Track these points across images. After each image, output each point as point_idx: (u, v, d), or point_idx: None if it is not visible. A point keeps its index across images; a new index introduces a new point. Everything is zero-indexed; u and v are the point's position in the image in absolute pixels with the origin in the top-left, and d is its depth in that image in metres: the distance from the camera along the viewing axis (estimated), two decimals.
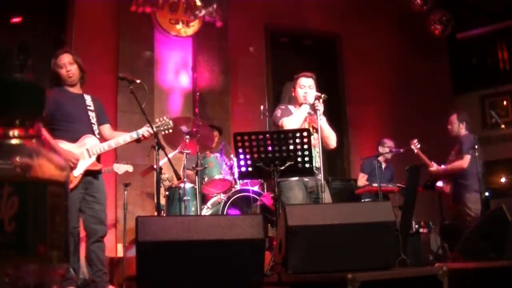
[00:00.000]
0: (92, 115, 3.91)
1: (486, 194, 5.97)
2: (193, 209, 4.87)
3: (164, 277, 2.37)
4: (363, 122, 7.87)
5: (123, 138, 3.90)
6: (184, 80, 6.64)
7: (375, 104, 7.91)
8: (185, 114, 6.15)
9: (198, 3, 6.66)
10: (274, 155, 3.45)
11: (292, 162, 3.46)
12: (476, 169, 5.51)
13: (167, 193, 5.02)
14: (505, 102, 8.64)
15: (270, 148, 3.45)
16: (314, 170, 3.79)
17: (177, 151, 5.05)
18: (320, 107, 4.01)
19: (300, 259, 2.58)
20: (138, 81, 3.97)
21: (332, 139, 4.25)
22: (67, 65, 3.85)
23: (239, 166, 3.56)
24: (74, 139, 3.76)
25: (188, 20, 6.64)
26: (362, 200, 6.17)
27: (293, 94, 4.34)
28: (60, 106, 3.74)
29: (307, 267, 2.58)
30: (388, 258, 2.72)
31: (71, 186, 3.54)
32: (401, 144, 6.40)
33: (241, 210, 5.08)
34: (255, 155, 3.45)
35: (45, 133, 3.48)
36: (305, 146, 3.46)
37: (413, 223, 6.01)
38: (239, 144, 3.46)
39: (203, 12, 6.55)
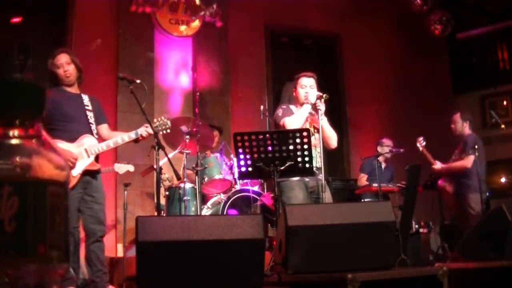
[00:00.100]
0: (90, 115, 3.90)
1: (486, 194, 5.97)
2: (193, 209, 4.87)
3: (164, 277, 2.37)
4: (363, 122, 7.87)
5: (121, 137, 3.89)
6: (184, 80, 6.64)
7: (375, 104, 7.91)
8: (185, 114, 6.15)
9: (198, 3, 6.66)
10: (274, 155, 3.45)
11: (292, 162, 3.45)
12: (476, 168, 5.52)
13: (167, 193, 5.02)
14: (505, 102, 8.64)
15: (270, 148, 3.45)
16: (315, 170, 3.79)
17: (177, 151, 5.05)
18: (322, 106, 4.01)
19: (300, 259, 2.58)
20: (138, 81, 3.96)
21: (333, 139, 4.24)
22: (65, 65, 3.84)
23: (239, 166, 3.55)
24: (72, 139, 3.75)
25: (188, 20, 6.64)
26: (362, 200, 6.16)
27: (294, 94, 4.34)
28: (58, 106, 3.73)
29: (307, 267, 2.58)
30: (388, 258, 2.73)
31: (70, 186, 3.54)
32: (401, 144, 6.39)
33: (241, 210, 5.08)
34: (255, 155, 3.45)
35: (44, 133, 3.48)
36: (305, 146, 3.46)
37: (413, 223, 6.01)
38: (239, 144, 3.46)
39: (204, 12, 6.55)
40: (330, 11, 7.84)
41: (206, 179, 5.22)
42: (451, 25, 8.16)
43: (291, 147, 3.45)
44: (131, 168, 5.19)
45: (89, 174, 3.78)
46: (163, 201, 5.02)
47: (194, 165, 4.83)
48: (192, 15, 6.60)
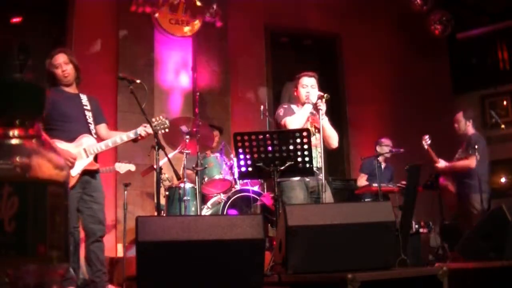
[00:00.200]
0: (88, 114, 3.90)
1: (490, 194, 5.96)
2: (193, 209, 4.87)
3: (164, 277, 2.37)
4: (363, 122, 7.87)
5: (120, 137, 3.89)
6: (184, 80, 6.64)
7: (375, 104, 7.91)
8: (185, 114, 6.15)
9: (198, 3, 6.66)
10: (274, 155, 3.45)
11: (292, 162, 3.45)
12: (477, 168, 5.52)
13: (167, 193, 5.02)
14: (505, 102, 8.63)
15: (270, 148, 3.45)
16: (315, 170, 3.79)
17: (177, 151, 5.05)
18: (323, 106, 4.01)
19: (300, 259, 2.58)
20: (138, 81, 3.96)
21: (334, 139, 4.24)
22: (63, 65, 3.84)
23: (239, 166, 3.55)
24: (71, 138, 3.75)
25: (188, 20, 6.64)
26: (362, 200, 6.16)
27: (295, 93, 4.34)
28: (57, 106, 3.72)
29: (307, 267, 2.58)
30: (388, 258, 2.73)
31: (69, 185, 3.54)
32: (401, 144, 6.39)
33: (241, 210, 5.08)
34: (255, 155, 3.45)
35: (43, 133, 3.47)
36: (305, 146, 3.46)
37: (413, 223, 6.00)
38: (239, 144, 3.46)
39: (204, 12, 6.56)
40: (330, 11, 7.84)
41: (206, 179, 5.22)
42: (451, 25, 8.16)
43: (291, 147, 3.45)
44: (132, 167, 5.19)
45: (88, 174, 3.78)
46: (163, 201, 5.02)
47: (194, 165, 4.83)
48: (192, 15, 6.60)
